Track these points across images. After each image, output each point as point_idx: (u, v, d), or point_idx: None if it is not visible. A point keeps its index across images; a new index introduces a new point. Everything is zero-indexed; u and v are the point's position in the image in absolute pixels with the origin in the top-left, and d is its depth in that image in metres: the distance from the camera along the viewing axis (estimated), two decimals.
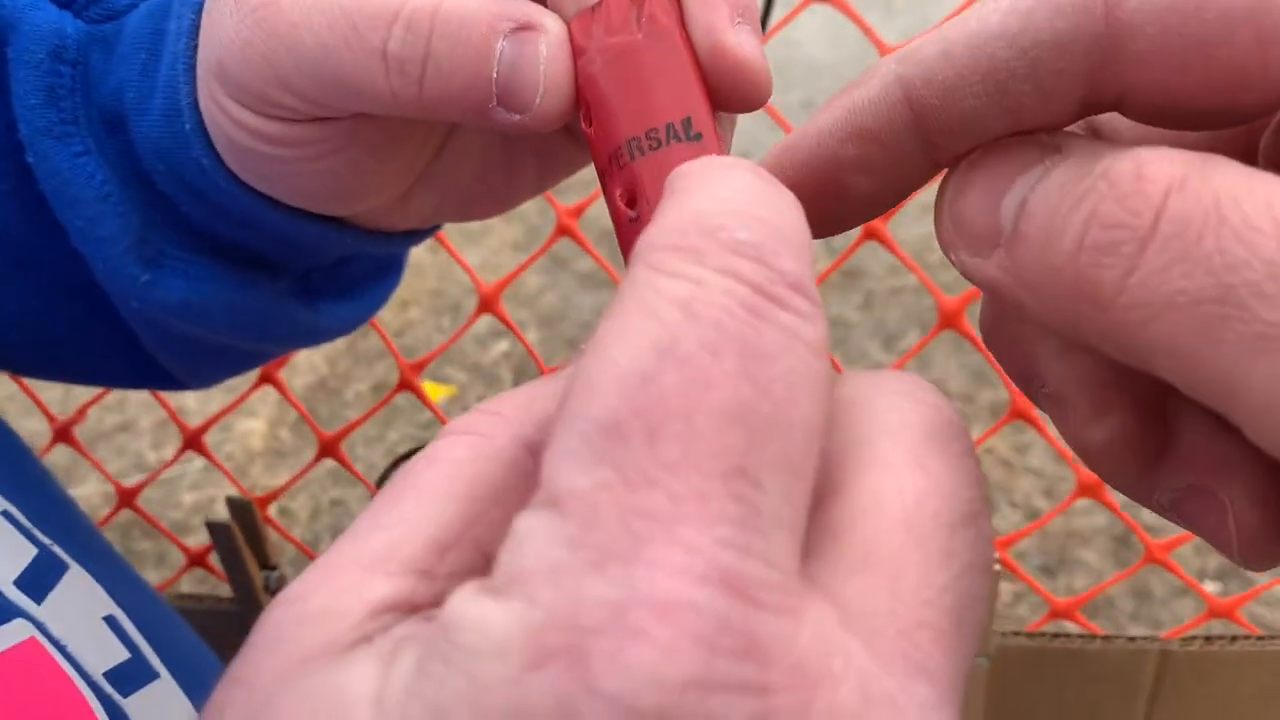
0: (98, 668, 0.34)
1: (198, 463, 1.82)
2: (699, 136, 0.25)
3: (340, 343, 2.02)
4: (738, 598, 0.16)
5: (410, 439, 1.86)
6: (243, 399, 0.81)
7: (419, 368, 0.76)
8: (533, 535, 0.16)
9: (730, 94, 0.26)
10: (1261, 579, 1.49)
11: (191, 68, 0.32)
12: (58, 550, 0.36)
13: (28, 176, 0.35)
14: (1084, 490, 0.75)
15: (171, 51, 0.32)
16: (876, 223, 0.68)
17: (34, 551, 0.35)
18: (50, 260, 0.37)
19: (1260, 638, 0.67)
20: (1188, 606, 1.47)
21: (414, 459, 0.21)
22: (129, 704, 0.34)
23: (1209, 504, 0.22)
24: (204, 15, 0.31)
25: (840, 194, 0.24)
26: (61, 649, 0.33)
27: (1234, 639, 0.68)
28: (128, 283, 0.35)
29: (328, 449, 0.74)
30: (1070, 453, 1.43)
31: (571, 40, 0.26)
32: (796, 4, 0.72)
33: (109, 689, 0.34)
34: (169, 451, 1.83)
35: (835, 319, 2.07)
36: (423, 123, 0.32)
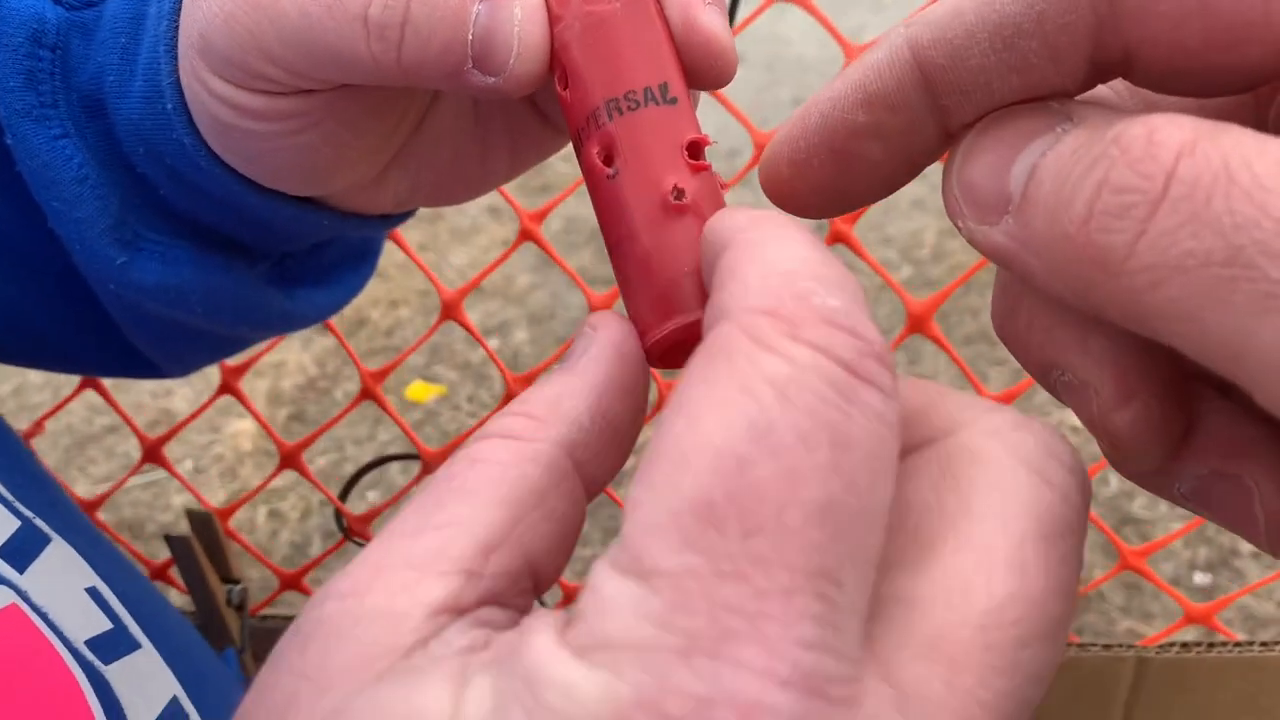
0: (79, 635, 0.35)
1: (188, 464, 1.81)
2: (675, 100, 0.26)
3: (330, 342, 2.01)
4: (814, 697, 0.17)
5: (400, 439, 1.86)
6: (201, 410, 0.81)
7: (381, 375, 0.75)
8: (619, 603, 0.17)
9: (698, 69, 0.27)
10: (1250, 574, 1.49)
11: (173, 48, 0.32)
12: (40, 523, 0.37)
13: (6, 159, 0.35)
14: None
15: (152, 34, 0.33)
16: (843, 224, 0.67)
17: (17, 524, 0.36)
18: (28, 244, 0.37)
19: (1238, 644, 0.67)
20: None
21: (457, 460, 0.22)
22: (110, 671, 0.35)
23: (1234, 490, 0.22)
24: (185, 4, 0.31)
25: (853, 164, 0.24)
26: (43, 616, 0.33)
27: (1211, 646, 0.68)
28: (105, 265, 0.35)
29: (288, 460, 0.74)
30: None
31: (548, 7, 0.27)
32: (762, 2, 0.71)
33: (90, 656, 0.34)
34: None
35: None
36: (400, 97, 0.33)
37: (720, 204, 0.25)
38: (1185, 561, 1.53)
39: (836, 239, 0.65)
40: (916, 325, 0.69)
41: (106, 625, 0.36)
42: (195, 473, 1.80)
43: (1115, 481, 1.64)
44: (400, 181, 0.35)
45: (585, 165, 0.26)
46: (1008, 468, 0.20)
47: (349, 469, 1.78)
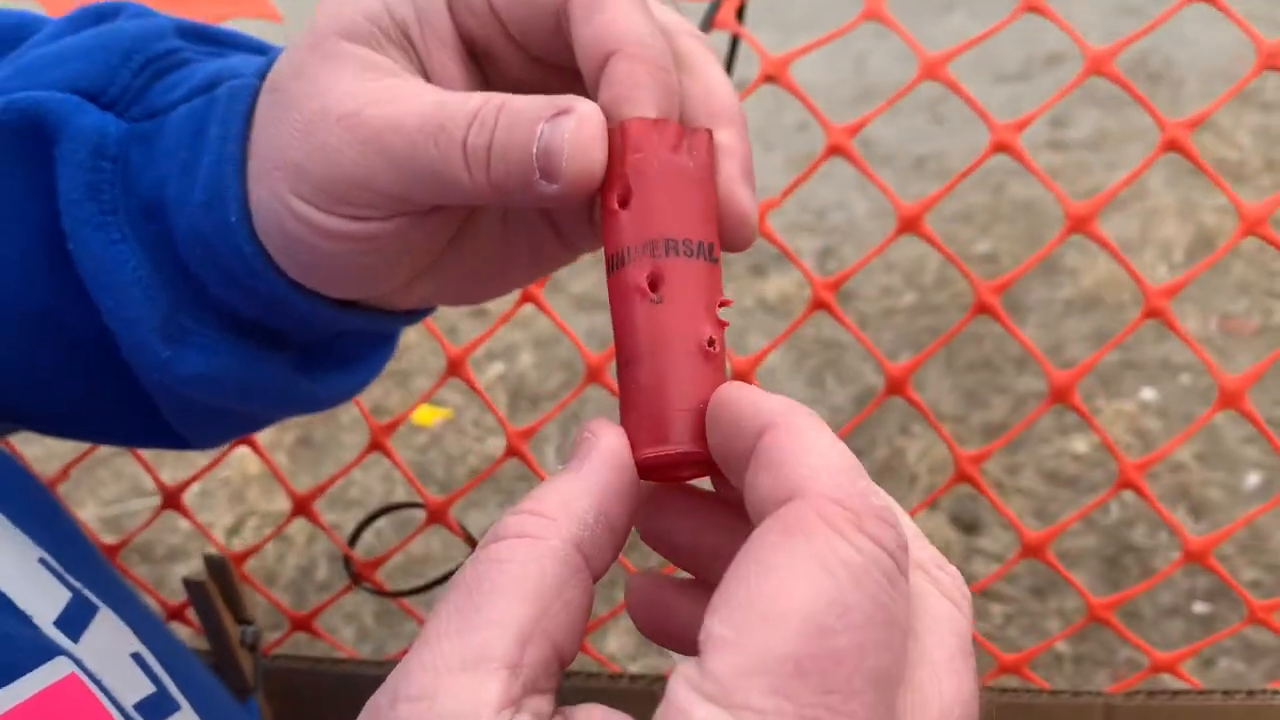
0: (128, 699, 0.37)
1: (195, 488, 1.82)
2: (717, 261, 0.30)
3: None
4: None
5: (406, 462, 1.87)
6: (222, 458, 0.82)
7: (390, 429, 0.76)
8: None
9: (728, 235, 0.32)
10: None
11: (240, 167, 0.35)
12: (88, 594, 0.39)
13: (65, 260, 0.37)
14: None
15: (216, 152, 0.35)
16: (825, 292, 0.69)
17: (68, 595, 0.38)
18: (81, 334, 0.39)
19: (1201, 692, 0.69)
20: (1177, 628, 1.49)
21: (482, 561, 0.26)
22: None
23: None
24: (261, 126, 0.34)
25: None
26: (98, 683, 0.35)
27: (1175, 694, 0.69)
28: (151, 358, 0.38)
29: (300, 507, 0.76)
30: (1061, 474, 1.43)
31: (626, 135, 0.30)
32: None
33: (139, 718, 0.37)
34: (167, 475, 1.84)
35: (829, 340, 2.09)
36: (454, 215, 0.36)
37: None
38: (1185, 591, 1.53)
39: (819, 306, 0.66)
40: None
41: (150, 689, 0.39)
42: (202, 495, 1.81)
43: (1116, 510, 1.65)
44: (429, 286, 0.38)
45: (625, 282, 0.30)
46: (934, 597, 0.27)
47: (354, 493, 1.80)
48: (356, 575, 0.71)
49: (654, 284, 0.29)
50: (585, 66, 0.32)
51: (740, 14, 0.64)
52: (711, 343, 0.29)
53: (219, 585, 0.69)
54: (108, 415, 0.43)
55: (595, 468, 0.28)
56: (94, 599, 0.39)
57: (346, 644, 1.67)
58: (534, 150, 0.30)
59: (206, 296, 0.38)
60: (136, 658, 0.39)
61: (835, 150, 0.67)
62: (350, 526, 0.80)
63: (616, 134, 0.30)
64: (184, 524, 1.77)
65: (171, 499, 0.76)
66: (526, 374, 2.06)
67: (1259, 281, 2.14)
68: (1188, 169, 2.56)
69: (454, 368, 0.74)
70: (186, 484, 0.77)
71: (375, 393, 2.00)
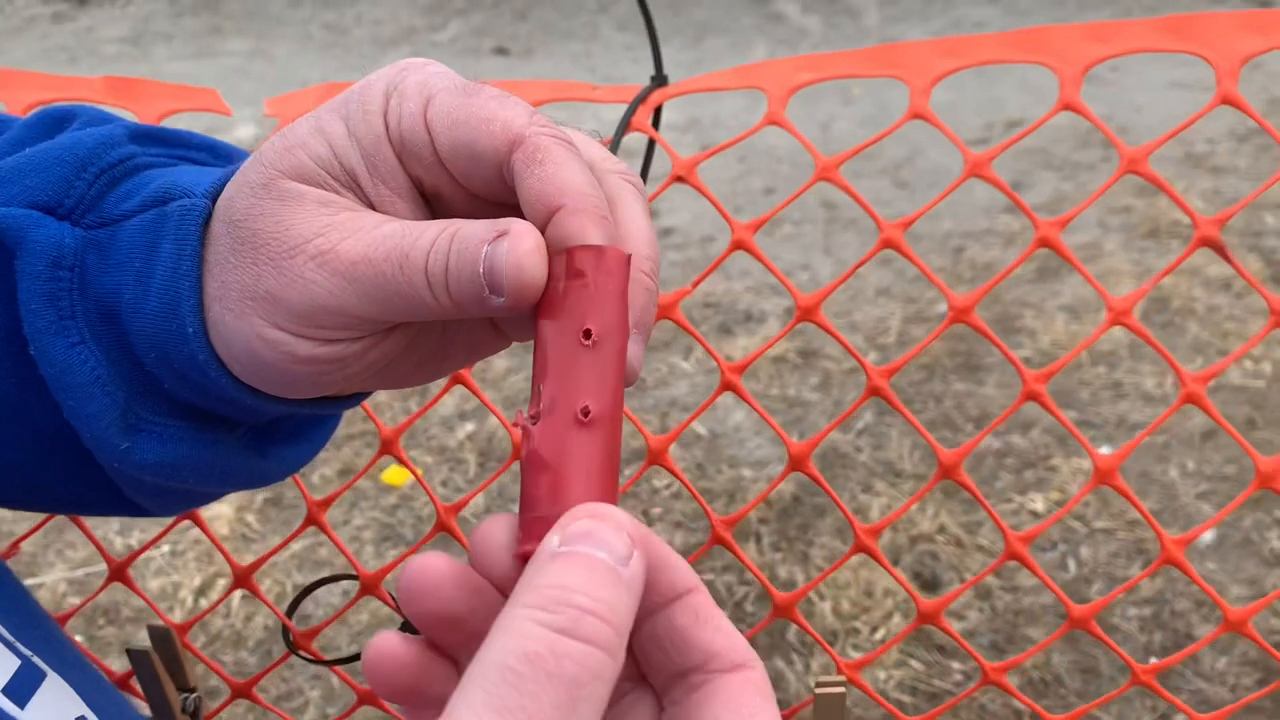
0: None
1: (164, 548, 1.83)
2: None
3: None
4: None
5: (375, 523, 1.88)
6: (160, 536, 0.83)
7: (325, 504, 0.77)
8: None
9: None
10: (1204, 658, 1.53)
11: (196, 285, 0.38)
12: (37, 660, 0.41)
13: (27, 359, 0.40)
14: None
15: (170, 268, 0.38)
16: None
17: (17, 663, 0.40)
18: (44, 424, 0.41)
19: None
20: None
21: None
22: None
23: None
24: (223, 260, 0.37)
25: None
26: None
27: None
28: (111, 449, 0.40)
29: (241, 580, 0.76)
30: (1018, 529, 1.45)
31: (571, 258, 0.34)
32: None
33: None
34: (136, 537, 1.84)
35: (794, 399, 2.12)
36: (406, 329, 0.39)
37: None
38: (1141, 646, 1.56)
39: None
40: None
41: None
42: (172, 556, 1.82)
43: (1074, 566, 1.68)
44: (375, 380, 0.41)
45: (549, 372, 0.34)
46: (765, 698, 0.31)
47: (324, 552, 1.81)
48: (294, 645, 0.73)
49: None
50: (531, 216, 0.35)
51: (656, 119, 0.68)
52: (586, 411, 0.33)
53: (161, 655, 0.71)
54: (71, 494, 0.45)
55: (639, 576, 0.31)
56: (42, 665, 0.41)
57: (313, 705, 1.67)
58: (480, 270, 0.34)
59: (161, 390, 0.40)
60: None
61: (739, 246, 0.70)
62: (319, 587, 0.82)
63: (561, 259, 0.34)
64: (152, 584, 1.77)
65: (118, 572, 0.77)
66: (496, 433, 2.08)
67: (1214, 341, 2.20)
68: (1142, 232, 2.63)
69: (386, 446, 0.77)
70: (133, 558, 0.78)
71: (345, 453, 2.02)
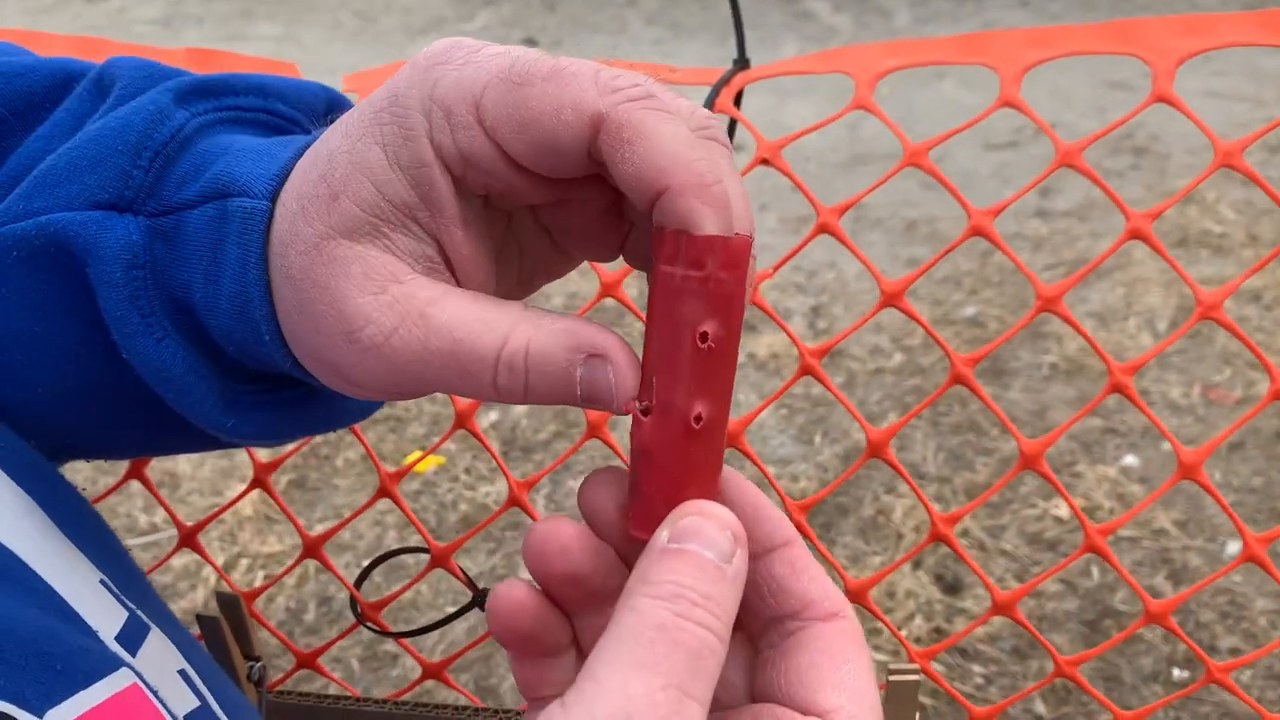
0: (180, 711, 0.40)
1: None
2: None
3: None
4: None
5: (395, 511, 1.89)
6: (232, 504, 0.84)
7: (398, 476, 0.79)
8: None
9: None
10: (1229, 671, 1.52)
11: (266, 293, 0.37)
12: (140, 614, 0.42)
13: (86, 298, 0.40)
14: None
15: (237, 275, 0.38)
16: (812, 359, 0.73)
17: (126, 614, 0.41)
18: (140, 390, 0.42)
19: None
20: (1156, 694, 1.50)
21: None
22: None
23: None
24: (289, 312, 0.37)
25: None
26: (155, 694, 0.38)
27: None
28: (215, 427, 0.41)
29: (310, 550, 0.78)
30: (1043, 537, 1.45)
31: (691, 246, 0.32)
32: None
33: None
34: (160, 515, 1.85)
35: (818, 398, 2.12)
36: None
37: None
38: (1164, 656, 1.56)
39: (889, 302, 0.68)
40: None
41: (196, 703, 0.42)
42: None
43: (1097, 573, 1.67)
44: None
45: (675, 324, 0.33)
46: (858, 646, 0.34)
47: (345, 536, 1.81)
48: (361, 615, 0.73)
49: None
50: (635, 201, 0.33)
51: (738, 100, 0.68)
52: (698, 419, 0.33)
53: (229, 621, 0.71)
54: (172, 444, 0.47)
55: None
56: (145, 619, 0.42)
57: (317, 688, 1.67)
58: (576, 392, 0.34)
59: (247, 369, 0.41)
60: (183, 674, 0.42)
61: (823, 229, 0.70)
62: (340, 568, 0.82)
63: (675, 239, 0.32)
64: (176, 563, 1.78)
65: (188, 538, 0.79)
66: (519, 423, 2.09)
67: (1242, 352, 2.18)
68: (1173, 240, 2.62)
69: (461, 420, 0.77)
70: (202, 525, 0.80)
71: (370, 438, 2.02)
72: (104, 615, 0.39)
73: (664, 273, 0.32)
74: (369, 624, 0.73)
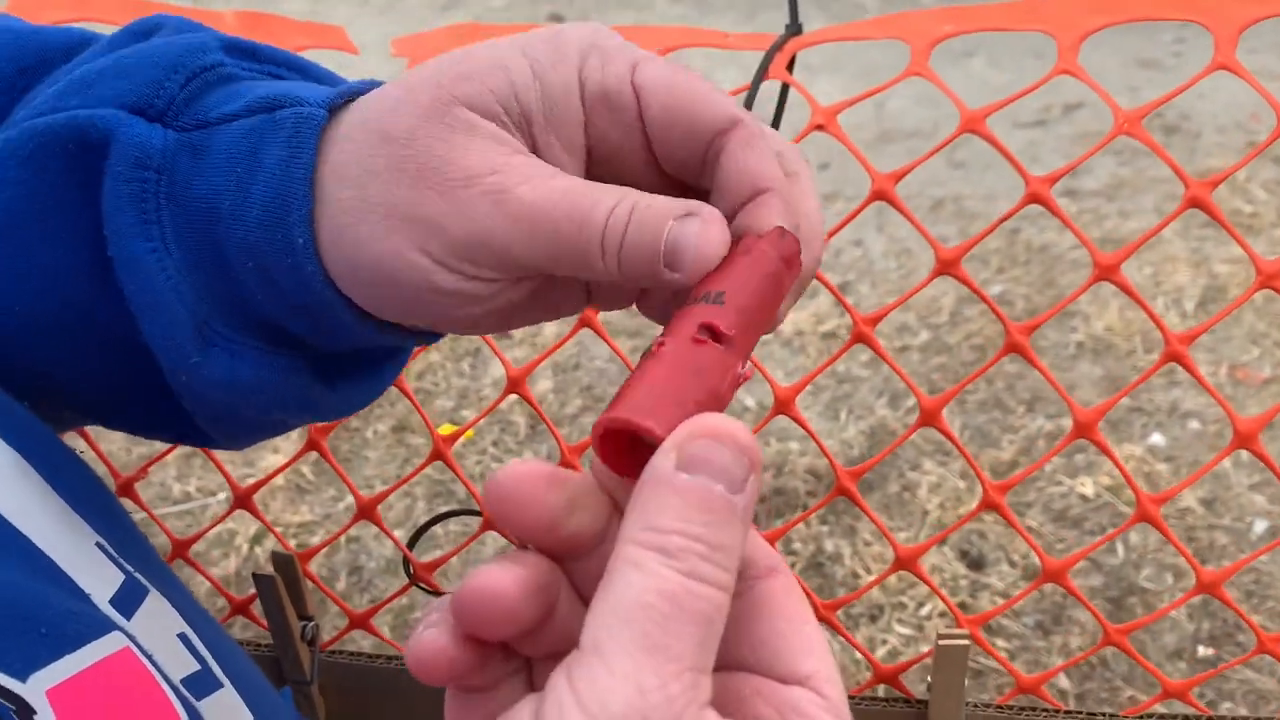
0: (176, 675, 0.40)
1: (221, 496, 1.86)
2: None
3: None
4: None
5: (425, 479, 1.91)
6: (289, 464, 0.86)
7: (452, 439, 0.81)
8: None
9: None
10: (1253, 648, 1.52)
11: (308, 194, 0.37)
12: (139, 577, 0.42)
13: (107, 266, 0.39)
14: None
15: (280, 175, 0.37)
16: (866, 327, 0.74)
17: (121, 577, 0.41)
18: (118, 335, 0.41)
19: (1211, 718, 0.72)
20: (1181, 671, 1.51)
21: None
22: (202, 706, 0.40)
23: None
24: (374, 174, 0.36)
25: None
26: (149, 657, 0.38)
27: (1186, 719, 0.72)
28: (181, 360, 0.40)
29: (365, 512, 0.80)
30: (1068, 515, 1.46)
31: (771, 236, 0.36)
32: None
33: (186, 693, 0.39)
34: (193, 483, 1.88)
35: (843, 375, 2.12)
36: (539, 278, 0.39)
37: None
38: (1189, 634, 1.56)
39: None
40: (929, 419, 0.74)
41: (196, 667, 0.41)
42: (228, 504, 1.85)
43: (1122, 550, 1.68)
44: (484, 322, 0.40)
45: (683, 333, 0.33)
46: (802, 600, 0.32)
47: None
48: (414, 577, 0.75)
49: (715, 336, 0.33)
50: (730, 191, 0.36)
51: (790, 66, 0.68)
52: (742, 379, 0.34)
53: (284, 581, 0.73)
54: (142, 411, 0.45)
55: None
56: (144, 582, 0.41)
57: (365, 649, 1.70)
58: (661, 247, 0.35)
59: (245, 306, 0.40)
60: (182, 638, 0.42)
61: (879, 196, 0.71)
62: (369, 537, 0.84)
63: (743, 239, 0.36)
64: (209, 532, 1.80)
65: (243, 500, 0.81)
66: (545, 398, 2.10)
67: (1270, 333, 2.17)
68: (1200, 220, 2.60)
69: (513, 385, 0.78)
70: (256, 486, 0.82)
71: (400, 411, 2.04)
72: (98, 578, 0.39)
73: (758, 248, 0.36)
74: (422, 584, 0.75)
